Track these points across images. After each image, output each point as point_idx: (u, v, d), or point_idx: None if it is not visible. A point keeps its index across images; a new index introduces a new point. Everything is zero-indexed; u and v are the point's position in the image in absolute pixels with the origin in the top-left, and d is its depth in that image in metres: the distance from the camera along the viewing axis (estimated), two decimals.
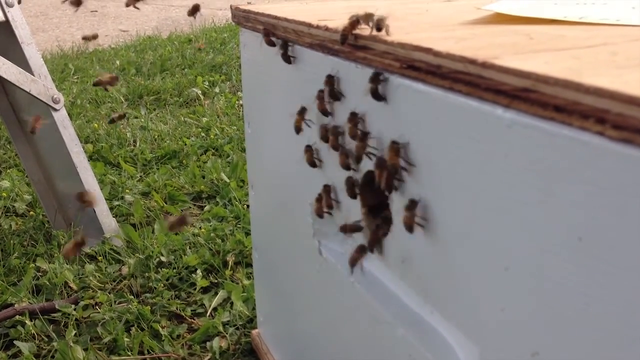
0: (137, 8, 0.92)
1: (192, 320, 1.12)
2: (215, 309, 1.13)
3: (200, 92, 2.39)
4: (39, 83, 1.24)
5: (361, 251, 0.58)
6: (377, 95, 0.52)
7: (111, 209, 1.46)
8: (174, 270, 1.23)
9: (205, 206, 1.54)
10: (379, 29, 0.51)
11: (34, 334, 1.07)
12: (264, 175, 0.87)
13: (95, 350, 1.03)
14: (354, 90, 0.57)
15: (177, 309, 1.13)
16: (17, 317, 1.09)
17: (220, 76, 2.61)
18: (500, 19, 0.59)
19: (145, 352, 1.04)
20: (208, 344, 1.04)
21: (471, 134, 0.43)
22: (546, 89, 0.36)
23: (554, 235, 0.37)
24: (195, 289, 1.19)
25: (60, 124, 1.30)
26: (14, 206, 1.54)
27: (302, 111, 0.66)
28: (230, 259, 1.27)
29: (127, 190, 1.60)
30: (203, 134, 1.98)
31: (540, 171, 0.37)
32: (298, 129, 0.66)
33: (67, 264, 1.25)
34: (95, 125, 2.06)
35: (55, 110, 1.28)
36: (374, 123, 0.54)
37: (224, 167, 1.68)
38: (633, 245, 0.32)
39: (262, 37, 0.70)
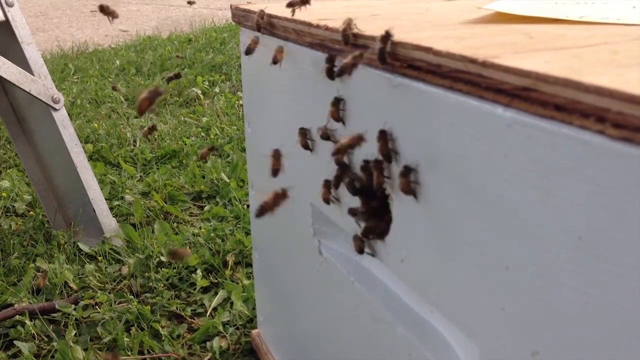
0: (110, 18, 0.91)
1: (192, 320, 1.11)
2: (215, 309, 1.13)
3: (200, 92, 2.39)
4: (38, 83, 1.24)
5: (361, 238, 0.58)
6: (331, 74, 0.57)
7: (111, 209, 1.46)
8: (174, 270, 1.23)
9: (205, 206, 1.54)
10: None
11: (34, 334, 1.07)
12: (264, 175, 0.86)
13: (95, 350, 1.03)
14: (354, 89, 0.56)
15: (177, 308, 1.13)
16: (17, 317, 1.09)
17: (220, 76, 2.61)
18: (501, 18, 0.59)
19: (145, 352, 1.04)
20: (208, 343, 1.04)
21: (471, 133, 0.43)
22: (546, 88, 0.36)
23: (554, 234, 0.37)
24: (195, 289, 1.19)
25: (60, 124, 1.30)
26: (14, 206, 1.54)
27: (337, 102, 0.60)
28: (230, 258, 1.27)
29: (127, 190, 1.60)
30: (203, 134, 1.98)
31: (541, 170, 0.37)
32: (337, 119, 0.61)
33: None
34: (95, 125, 2.06)
35: (55, 110, 1.28)
36: (374, 123, 0.54)
37: (224, 167, 1.68)
38: (633, 245, 0.32)
39: (254, 26, 0.71)
